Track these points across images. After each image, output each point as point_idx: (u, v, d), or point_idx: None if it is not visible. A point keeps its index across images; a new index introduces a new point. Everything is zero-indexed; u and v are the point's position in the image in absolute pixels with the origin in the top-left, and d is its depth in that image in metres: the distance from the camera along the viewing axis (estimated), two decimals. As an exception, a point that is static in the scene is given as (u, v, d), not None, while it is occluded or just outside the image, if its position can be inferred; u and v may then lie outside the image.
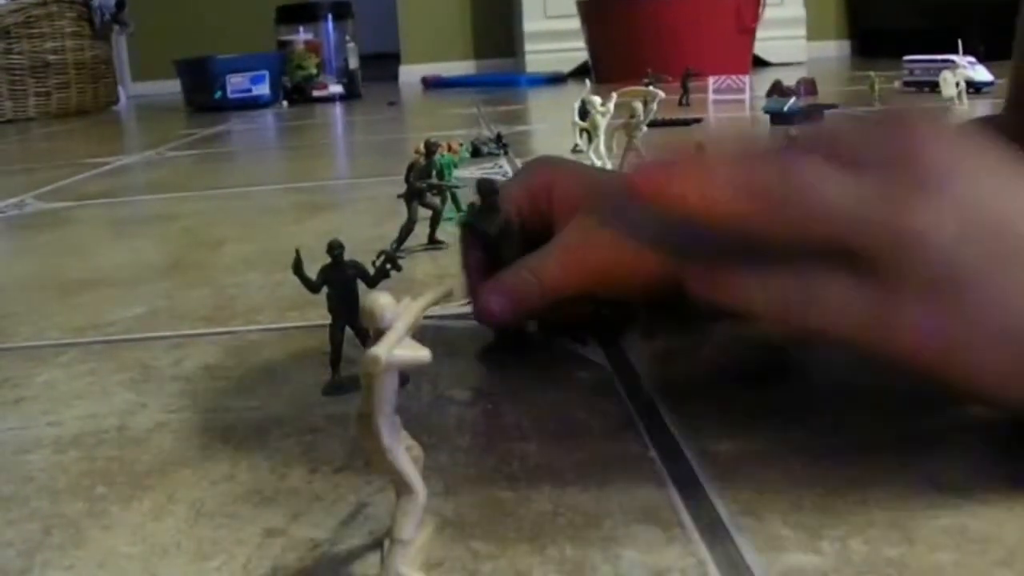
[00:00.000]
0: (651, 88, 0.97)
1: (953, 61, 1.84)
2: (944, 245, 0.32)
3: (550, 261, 0.46)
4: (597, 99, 1.07)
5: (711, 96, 1.95)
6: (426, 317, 0.57)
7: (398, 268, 0.48)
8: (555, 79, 3.44)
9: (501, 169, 1.22)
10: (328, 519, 0.35)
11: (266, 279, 0.72)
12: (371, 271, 0.48)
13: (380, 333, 0.29)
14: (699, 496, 0.35)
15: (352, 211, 0.98)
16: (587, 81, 1.22)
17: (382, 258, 0.48)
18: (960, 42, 1.84)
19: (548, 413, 0.44)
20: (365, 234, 0.84)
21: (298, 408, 0.46)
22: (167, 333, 0.60)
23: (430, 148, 0.76)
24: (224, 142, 1.98)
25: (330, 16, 3.17)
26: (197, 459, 0.41)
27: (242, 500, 0.37)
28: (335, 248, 0.46)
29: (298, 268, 0.46)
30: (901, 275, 0.32)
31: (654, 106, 0.94)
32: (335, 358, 0.48)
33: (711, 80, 1.98)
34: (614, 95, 1.06)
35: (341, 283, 0.47)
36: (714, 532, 0.33)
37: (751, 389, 0.44)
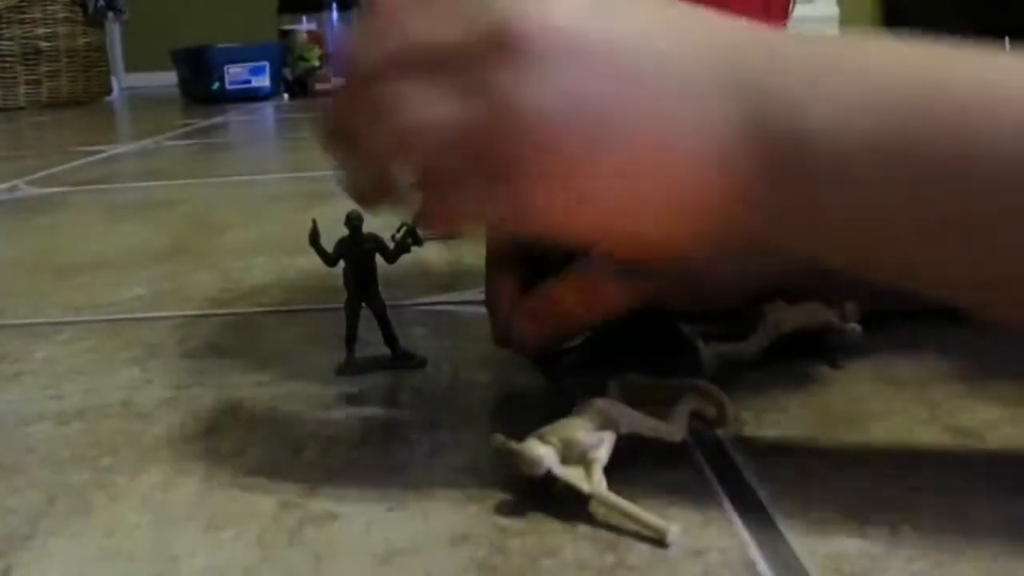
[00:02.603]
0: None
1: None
2: (547, 133, 0.32)
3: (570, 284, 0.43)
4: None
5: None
6: (436, 303, 0.57)
7: (420, 243, 0.48)
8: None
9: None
10: (348, 493, 0.35)
11: (273, 263, 0.72)
12: (391, 246, 0.48)
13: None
14: (736, 479, 0.35)
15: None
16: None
17: (403, 231, 0.48)
18: (1007, 42, 1.84)
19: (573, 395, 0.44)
20: (375, 222, 0.84)
21: (311, 386, 0.46)
22: (171, 313, 0.60)
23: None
24: (223, 133, 1.98)
25: (335, 5, 3.17)
26: (207, 433, 0.41)
27: (255, 473, 0.37)
28: (354, 219, 0.46)
29: (315, 239, 0.46)
30: (522, 170, 0.33)
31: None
32: (350, 336, 0.48)
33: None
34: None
35: (359, 257, 0.47)
36: (754, 514, 0.32)
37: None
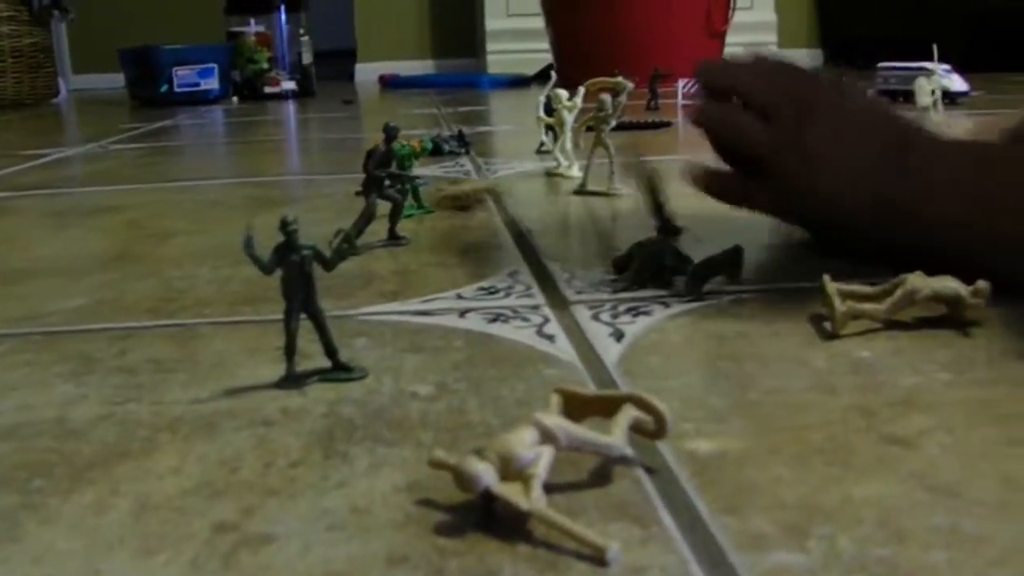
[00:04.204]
0: (621, 79, 0.96)
1: (928, 68, 1.86)
2: (815, 144, 0.62)
3: None
4: (564, 93, 1.07)
5: (680, 100, 1.96)
6: (380, 313, 0.56)
7: (356, 251, 0.47)
8: (519, 81, 3.43)
9: (463, 168, 1.22)
10: (284, 514, 0.34)
11: (216, 273, 0.70)
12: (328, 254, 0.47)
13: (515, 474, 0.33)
14: (677, 494, 0.35)
15: (308, 207, 0.97)
16: (552, 74, 1.21)
17: (339, 238, 0.47)
18: (936, 48, 1.86)
19: (515, 408, 0.43)
20: (323, 229, 0.83)
21: (250, 401, 0.45)
22: (110, 325, 0.58)
23: (390, 133, 0.75)
24: (171, 136, 1.95)
25: (283, 7, 3.14)
26: (142, 452, 0.40)
27: (191, 494, 0.36)
28: (288, 224, 0.45)
29: (249, 246, 0.45)
30: (790, 166, 0.63)
31: (623, 99, 0.94)
32: (290, 347, 0.47)
33: (680, 83, 1.99)
34: (581, 88, 1.06)
35: (296, 265, 0.46)
36: (695, 530, 0.32)
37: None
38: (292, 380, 0.47)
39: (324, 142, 1.76)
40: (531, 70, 3.64)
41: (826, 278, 0.53)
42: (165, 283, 0.68)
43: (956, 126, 1.37)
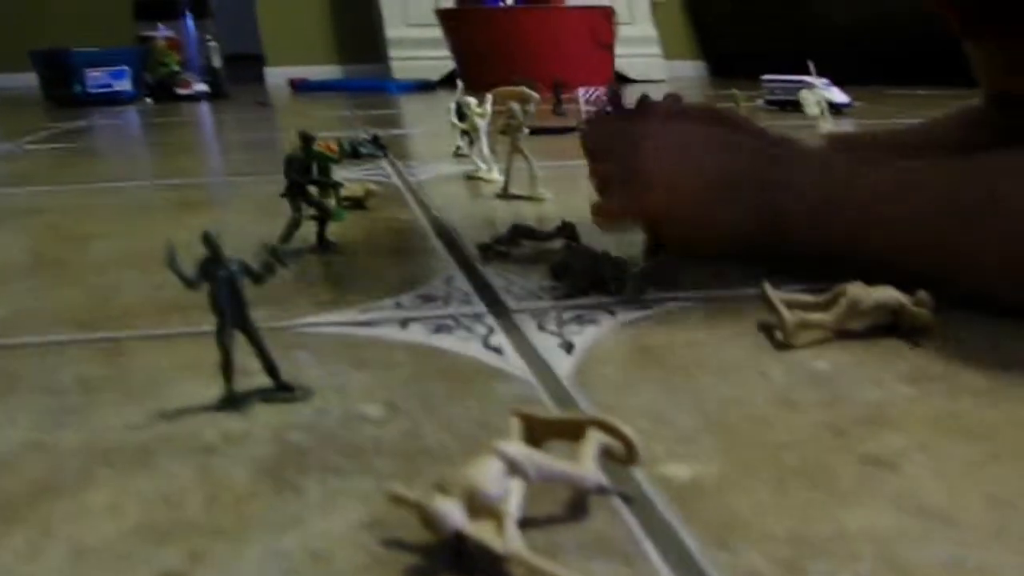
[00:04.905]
0: (525, 89, 0.92)
1: (809, 82, 1.87)
2: (651, 170, 0.62)
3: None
4: (472, 100, 1.02)
5: (583, 106, 1.93)
6: (318, 324, 0.51)
7: (284, 264, 0.42)
8: (425, 86, 3.38)
9: (382, 171, 1.16)
10: (235, 560, 0.29)
11: (143, 279, 0.64)
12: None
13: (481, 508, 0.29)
14: (660, 526, 0.31)
15: (231, 209, 0.91)
16: (459, 82, 1.17)
17: (268, 250, 0.42)
18: (811, 65, 1.88)
19: (473, 430, 0.39)
20: (248, 232, 0.77)
21: (188, 425, 0.40)
22: (34, 339, 0.52)
23: (306, 138, 0.70)
24: (88, 136, 1.85)
25: (188, 13, 3.02)
26: (76, 486, 0.34)
27: (132, 535, 0.31)
28: (209, 239, 0.40)
29: (172, 262, 0.40)
30: (639, 180, 0.63)
31: (531, 107, 0.90)
32: (226, 366, 0.41)
33: (581, 91, 1.96)
34: (489, 96, 1.02)
35: (224, 280, 0.41)
36: (685, 567, 0.28)
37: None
38: (232, 401, 0.41)
39: (241, 143, 1.69)
40: (435, 75, 3.58)
41: (767, 286, 0.50)
42: (90, 291, 0.62)
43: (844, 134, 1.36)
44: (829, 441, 0.37)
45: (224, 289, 0.40)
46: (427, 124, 1.91)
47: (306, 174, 0.69)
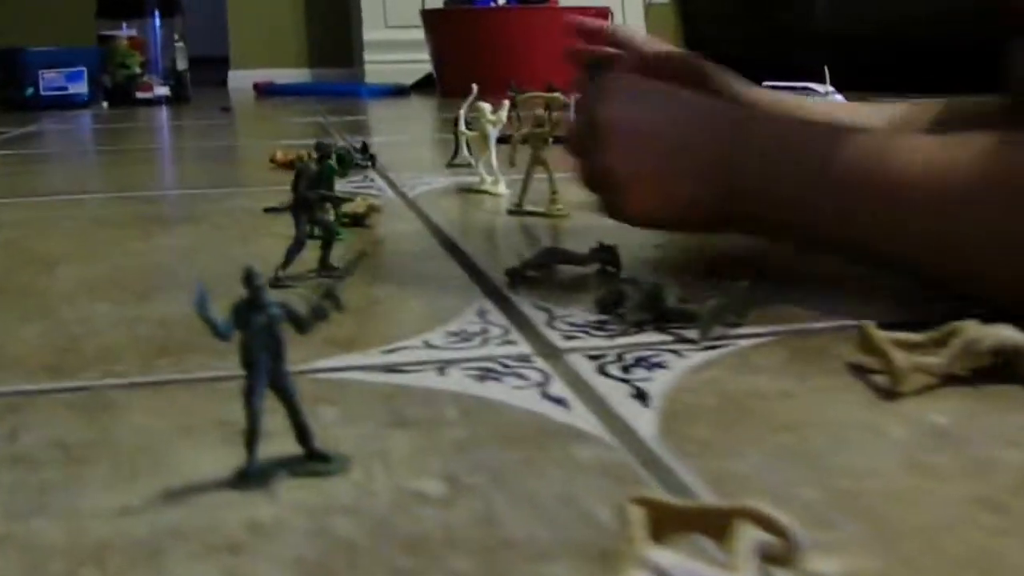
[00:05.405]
0: (557, 94, 0.85)
1: (812, 89, 1.82)
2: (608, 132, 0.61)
3: None
4: (487, 106, 0.95)
5: (573, 111, 1.87)
6: (338, 369, 0.43)
7: (340, 308, 0.35)
8: (399, 91, 3.30)
9: (373, 184, 1.09)
10: None
11: (119, 312, 0.56)
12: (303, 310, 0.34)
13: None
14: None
15: (209, 226, 0.83)
16: (473, 87, 1.09)
17: (322, 292, 0.35)
18: (827, 71, 1.84)
19: (560, 512, 0.31)
20: (234, 253, 0.70)
21: (202, 510, 0.32)
22: (-6, 388, 0.44)
23: (323, 151, 0.63)
24: (40, 143, 1.76)
25: (157, 12, 2.92)
26: (60, 605, 0.27)
27: None
28: (252, 278, 0.33)
29: (202, 307, 0.32)
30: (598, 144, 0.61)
31: (560, 115, 0.83)
32: (252, 433, 0.34)
33: (573, 96, 1.90)
34: (506, 102, 0.95)
35: (261, 328, 0.33)
36: None
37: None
38: (254, 476, 0.34)
39: (207, 151, 1.60)
40: (409, 80, 3.51)
41: (870, 325, 0.44)
42: (59, 327, 0.54)
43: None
44: (990, 520, 0.30)
45: (260, 338, 0.33)
46: (407, 132, 1.84)
47: (317, 189, 0.62)
